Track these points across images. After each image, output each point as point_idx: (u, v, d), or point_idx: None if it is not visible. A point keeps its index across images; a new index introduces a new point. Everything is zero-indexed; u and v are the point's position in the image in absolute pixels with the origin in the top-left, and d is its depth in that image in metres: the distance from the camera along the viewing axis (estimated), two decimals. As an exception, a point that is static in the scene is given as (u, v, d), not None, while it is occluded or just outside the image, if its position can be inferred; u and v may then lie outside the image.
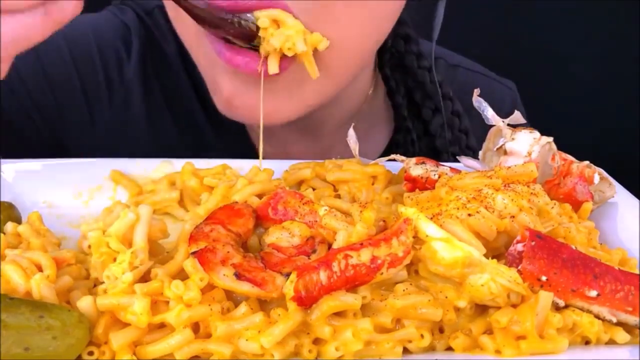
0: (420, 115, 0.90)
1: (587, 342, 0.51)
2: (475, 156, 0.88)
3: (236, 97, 0.69)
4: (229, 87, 0.69)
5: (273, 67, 0.63)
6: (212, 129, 0.87)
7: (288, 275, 0.49)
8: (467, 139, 0.90)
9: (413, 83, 0.90)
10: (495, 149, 0.65)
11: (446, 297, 0.50)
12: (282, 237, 0.54)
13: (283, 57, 0.64)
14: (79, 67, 0.86)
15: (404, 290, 0.50)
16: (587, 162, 0.67)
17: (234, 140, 0.86)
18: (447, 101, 0.90)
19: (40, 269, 0.50)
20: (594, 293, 0.50)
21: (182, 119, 0.88)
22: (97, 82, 0.86)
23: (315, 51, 0.64)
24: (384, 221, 0.56)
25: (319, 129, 0.85)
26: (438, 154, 0.89)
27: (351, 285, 0.49)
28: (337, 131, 0.84)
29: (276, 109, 0.69)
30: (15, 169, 0.67)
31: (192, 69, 0.85)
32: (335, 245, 0.52)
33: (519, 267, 0.50)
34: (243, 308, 0.49)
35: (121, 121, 0.87)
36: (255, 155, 0.68)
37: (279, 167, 0.68)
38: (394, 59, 0.86)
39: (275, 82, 0.66)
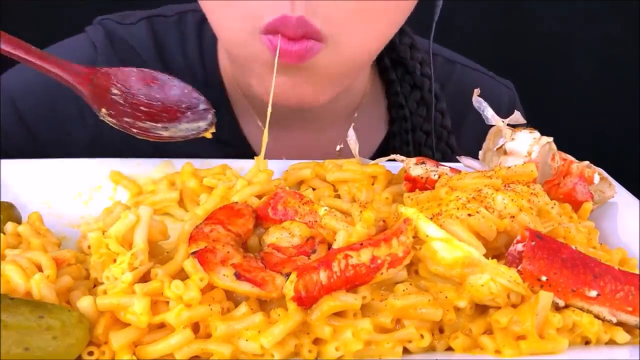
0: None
1: (587, 342, 0.51)
2: (450, 134, 0.89)
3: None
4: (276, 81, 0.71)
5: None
6: None
7: (288, 275, 0.49)
8: (443, 119, 0.91)
9: (396, 58, 0.91)
10: (495, 149, 0.65)
11: (446, 297, 0.50)
12: (282, 237, 0.54)
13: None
14: (50, 97, 0.85)
15: (404, 290, 0.50)
16: (587, 162, 0.67)
17: (227, 138, 0.86)
18: (425, 79, 0.90)
19: (40, 269, 0.50)
20: (594, 293, 0.50)
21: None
22: (69, 111, 0.86)
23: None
24: (384, 221, 0.56)
25: (320, 124, 0.85)
26: (410, 133, 0.91)
27: (351, 285, 0.49)
28: (338, 125, 0.84)
29: (315, 92, 0.72)
30: (15, 169, 0.67)
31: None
32: (335, 245, 0.52)
33: (519, 267, 0.50)
34: (243, 308, 0.49)
35: (99, 144, 0.86)
36: (249, 154, 0.67)
37: (279, 167, 0.68)
38: None
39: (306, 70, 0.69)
